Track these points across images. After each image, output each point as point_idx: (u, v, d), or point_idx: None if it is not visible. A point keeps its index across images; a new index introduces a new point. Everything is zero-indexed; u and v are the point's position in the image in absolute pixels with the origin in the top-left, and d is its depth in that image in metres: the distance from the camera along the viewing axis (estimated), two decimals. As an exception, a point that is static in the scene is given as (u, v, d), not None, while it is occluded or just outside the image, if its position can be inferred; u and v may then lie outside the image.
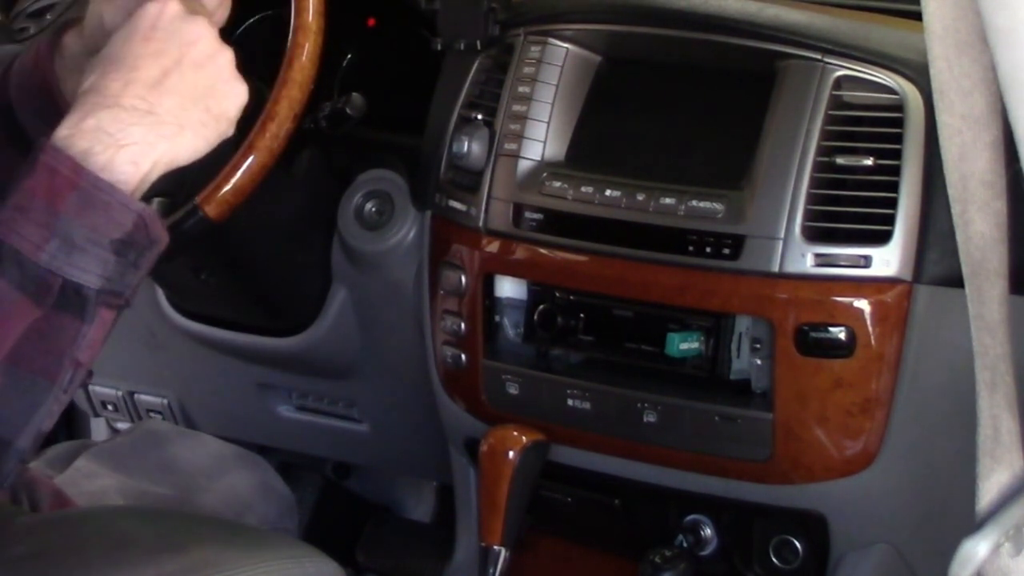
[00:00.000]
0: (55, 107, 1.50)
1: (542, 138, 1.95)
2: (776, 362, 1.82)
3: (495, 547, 1.94)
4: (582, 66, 1.98)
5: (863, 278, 1.78)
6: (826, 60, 1.82)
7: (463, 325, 2.01)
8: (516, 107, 1.97)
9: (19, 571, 1.54)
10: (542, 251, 1.94)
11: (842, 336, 1.79)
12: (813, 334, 1.79)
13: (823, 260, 1.78)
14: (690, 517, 2.00)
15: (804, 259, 1.78)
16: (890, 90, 1.79)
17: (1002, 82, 1.11)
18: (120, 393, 2.58)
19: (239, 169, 1.56)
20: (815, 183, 1.79)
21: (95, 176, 1.25)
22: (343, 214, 2.15)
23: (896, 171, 1.76)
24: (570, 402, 1.94)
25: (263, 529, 1.88)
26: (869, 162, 1.78)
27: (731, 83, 1.91)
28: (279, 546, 1.69)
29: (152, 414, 2.56)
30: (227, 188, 1.57)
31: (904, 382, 1.80)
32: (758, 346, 1.84)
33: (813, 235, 1.78)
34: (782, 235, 1.78)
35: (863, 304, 1.78)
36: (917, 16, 1.40)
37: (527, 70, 1.98)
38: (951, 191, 1.23)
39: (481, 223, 1.98)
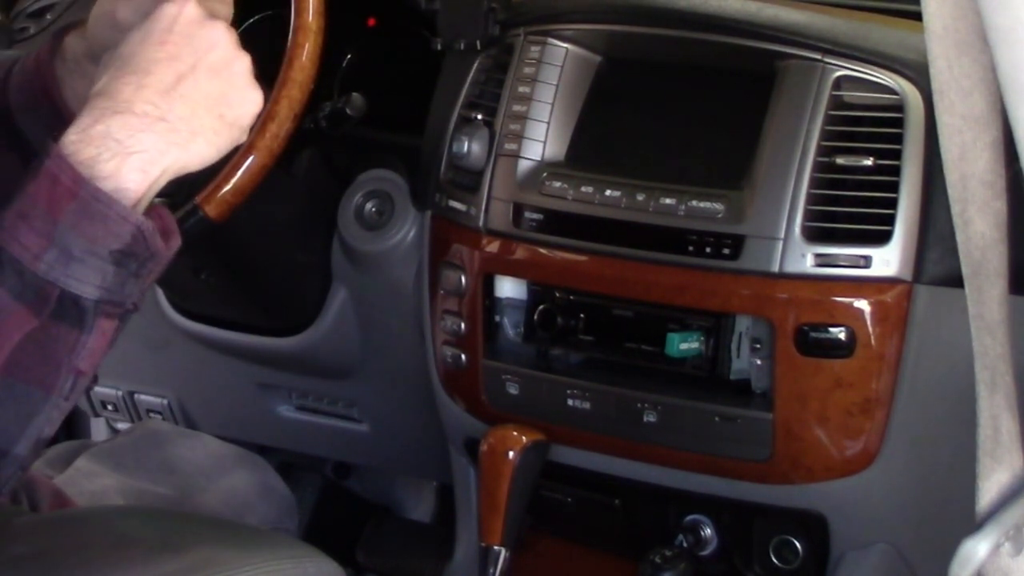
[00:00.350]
0: (56, 111, 1.49)
1: (542, 138, 1.95)
2: (776, 362, 1.82)
3: (495, 547, 1.94)
4: (582, 66, 1.98)
5: (863, 278, 1.77)
6: (826, 60, 1.82)
7: (463, 325, 2.00)
8: (516, 107, 1.97)
9: (19, 571, 1.54)
10: (542, 251, 1.94)
11: (842, 336, 1.79)
12: (813, 334, 1.79)
13: (823, 260, 1.78)
14: (690, 517, 2.00)
15: (804, 259, 1.78)
16: (890, 90, 1.79)
17: (1002, 82, 1.11)
18: (120, 393, 2.58)
19: (239, 169, 1.56)
20: (815, 183, 1.78)
21: (95, 187, 1.23)
22: (343, 214, 2.15)
23: (896, 171, 1.76)
24: (570, 402, 1.94)
25: (263, 529, 1.88)
26: (869, 162, 1.78)
27: (731, 83, 1.91)
28: (279, 546, 1.68)
29: (152, 414, 2.56)
30: (227, 188, 1.57)
31: (904, 382, 1.80)
32: (758, 346, 1.84)
33: (813, 235, 1.78)
34: (782, 235, 1.78)
35: (863, 304, 1.78)
36: (917, 16, 1.40)
37: (527, 70, 1.97)
38: (951, 191, 1.22)
39: (481, 223, 1.98)
